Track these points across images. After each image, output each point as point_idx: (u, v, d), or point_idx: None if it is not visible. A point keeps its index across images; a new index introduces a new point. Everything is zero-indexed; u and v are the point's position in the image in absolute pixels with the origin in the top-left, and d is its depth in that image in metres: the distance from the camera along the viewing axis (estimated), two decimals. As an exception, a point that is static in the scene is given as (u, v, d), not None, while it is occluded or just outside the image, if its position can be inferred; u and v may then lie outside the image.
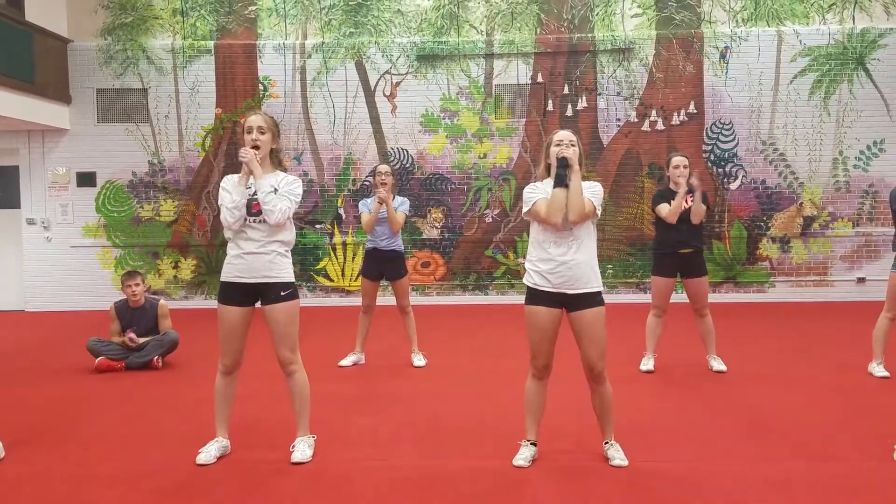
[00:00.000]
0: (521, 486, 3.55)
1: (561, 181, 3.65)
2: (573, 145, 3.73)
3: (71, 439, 4.38)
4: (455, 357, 6.66)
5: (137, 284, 6.39)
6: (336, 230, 10.49)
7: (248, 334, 3.99)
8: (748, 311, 9.33)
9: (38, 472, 3.83)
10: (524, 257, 10.36)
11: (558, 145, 3.74)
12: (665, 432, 4.35)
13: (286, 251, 3.93)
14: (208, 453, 3.93)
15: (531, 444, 3.87)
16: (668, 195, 5.80)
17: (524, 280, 3.82)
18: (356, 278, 10.42)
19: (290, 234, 3.95)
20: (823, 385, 5.44)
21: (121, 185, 10.50)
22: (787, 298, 10.24)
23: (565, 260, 3.64)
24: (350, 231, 10.45)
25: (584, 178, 3.70)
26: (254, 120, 3.88)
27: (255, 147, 3.85)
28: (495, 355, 6.77)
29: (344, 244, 10.48)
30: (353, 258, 10.48)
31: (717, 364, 5.88)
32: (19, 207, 10.55)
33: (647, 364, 5.95)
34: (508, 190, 10.43)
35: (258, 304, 3.93)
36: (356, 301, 10.34)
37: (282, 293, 3.87)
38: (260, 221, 3.82)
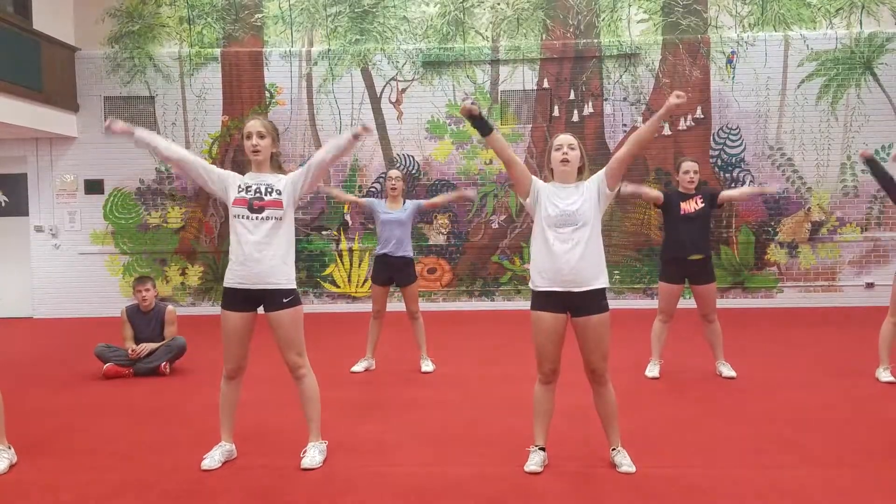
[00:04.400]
0: (529, 493, 3.53)
1: (482, 127, 3.72)
2: (573, 149, 3.74)
3: (79, 446, 4.38)
4: (462, 363, 6.64)
5: (148, 290, 6.43)
6: (342, 236, 10.49)
7: (254, 340, 4.00)
8: (756, 316, 9.29)
9: (45, 478, 3.83)
10: (529, 263, 10.41)
11: (558, 149, 3.76)
12: (673, 439, 4.32)
13: (288, 257, 3.92)
14: (212, 458, 3.93)
15: (540, 449, 3.86)
16: (676, 198, 5.79)
17: (529, 284, 3.82)
18: (363, 284, 10.44)
19: (291, 237, 3.94)
20: (832, 391, 5.40)
21: (128, 192, 10.54)
22: (796, 304, 10.19)
23: (569, 258, 3.63)
24: (356, 237, 10.45)
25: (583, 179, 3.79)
26: (252, 125, 3.91)
27: (256, 152, 3.88)
28: (502, 361, 6.75)
29: (350, 250, 10.49)
30: (360, 264, 10.49)
31: (727, 370, 5.85)
32: (27, 215, 10.60)
33: (653, 370, 5.92)
34: (514, 196, 10.42)
35: (260, 310, 3.92)
36: (363, 307, 10.38)
37: (283, 300, 3.87)
38: (262, 220, 3.81)
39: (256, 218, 3.82)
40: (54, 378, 6.33)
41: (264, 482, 3.73)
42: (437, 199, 6.67)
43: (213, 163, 10.28)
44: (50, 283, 10.53)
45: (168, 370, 6.32)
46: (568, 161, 3.72)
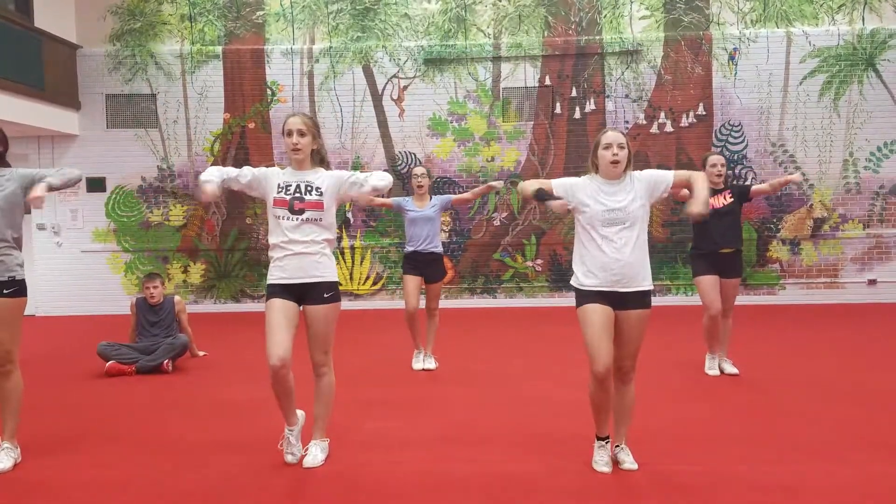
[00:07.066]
0: (532, 491, 3.53)
1: (541, 199, 3.70)
2: (622, 148, 3.66)
3: (82, 444, 4.38)
4: (464, 361, 6.64)
5: (156, 287, 6.60)
6: (344, 234, 10.50)
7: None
8: (758, 313, 9.28)
9: (49, 477, 3.83)
10: (532, 261, 10.44)
11: (607, 148, 3.67)
12: (676, 435, 4.32)
13: (330, 251, 3.93)
14: (295, 447, 3.95)
15: (606, 441, 3.82)
16: None
17: (572, 282, 3.77)
18: (365, 282, 10.44)
19: (333, 233, 3.93)
20: (835, 387, 5.40)
21: (130, 190, 10.55)
22: (798, 300, 10.19)
23: (618, 258, 3.60)
24: (358, 235, 10.45)
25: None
26: (293, 122, 3.84)
27: (296, 150, 3.82)
28: (504, 359, 6.75)
29: (352, 248, 10.49)
30: (361, 262, 10.48)
31: (729, 367, 5.85)
32: (30, 213, 10.61)
33: (713, 368, 5.87)
34: (516, 193, 10.42)
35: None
36: (365, 304, 10.39)
37: (325, 295, 3.85)
38: (303, 221, 3.78)
39: (297, 220, 3.77)
40: (57, 376, 6.33)
41: (268, 480, 3.73)
42: (467, 196, 6.45)
43: (213, 162, 10.37)
44: (52, 280, 10.54)
45: (171, 368, 6.33)
46: (618, 162, 3.65)
